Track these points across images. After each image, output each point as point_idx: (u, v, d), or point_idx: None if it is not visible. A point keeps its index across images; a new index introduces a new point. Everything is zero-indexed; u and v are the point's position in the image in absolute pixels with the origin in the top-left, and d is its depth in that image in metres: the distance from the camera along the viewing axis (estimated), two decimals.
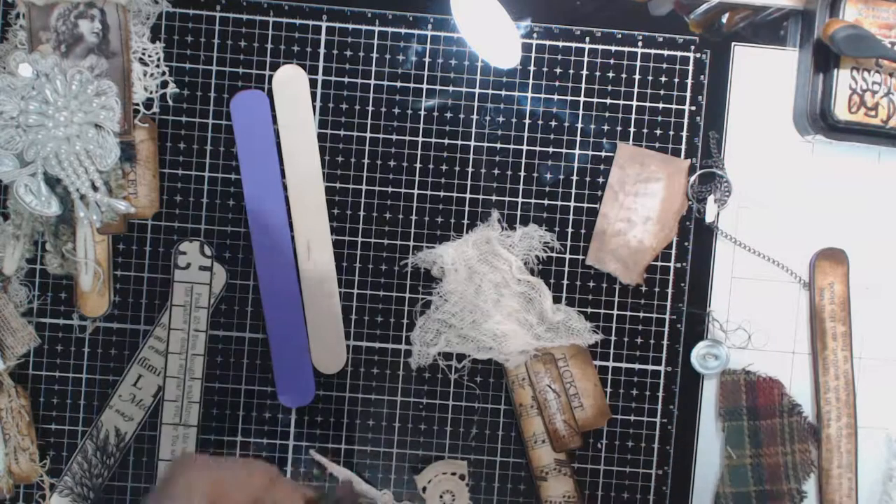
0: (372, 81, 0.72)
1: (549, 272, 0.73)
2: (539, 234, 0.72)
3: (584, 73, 0.72)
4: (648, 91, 0.72)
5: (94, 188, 0.68)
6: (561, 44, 0.72)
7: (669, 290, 0.73)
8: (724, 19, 0.73)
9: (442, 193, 0.73)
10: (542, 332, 0.72)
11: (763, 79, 0.73)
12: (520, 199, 0.73)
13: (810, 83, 0.70)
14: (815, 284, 0.73)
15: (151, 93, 0.71)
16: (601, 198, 0.73)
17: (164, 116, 0.72)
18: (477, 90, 0.72)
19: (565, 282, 0.73)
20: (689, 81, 0.73)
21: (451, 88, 0.72)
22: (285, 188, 0.72)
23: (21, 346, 0.71)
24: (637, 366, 0.73)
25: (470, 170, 0.73)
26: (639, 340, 0.73)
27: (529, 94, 0.72)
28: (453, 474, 0.73)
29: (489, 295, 0.71)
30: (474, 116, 0.72)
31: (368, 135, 0.72)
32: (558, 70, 0.72)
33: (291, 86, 0.72)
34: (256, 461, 0.64)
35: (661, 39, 0.72)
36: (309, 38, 0.72)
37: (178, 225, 0.72)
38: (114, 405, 0.72)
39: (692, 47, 0.73)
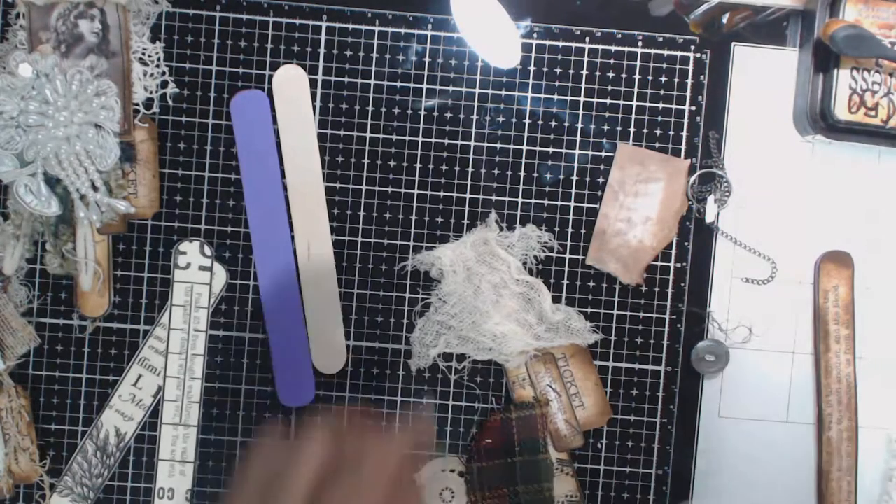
0: (372, 81, 0.72)
1: (549, 272, 0.73)
2: (537, 234, 0.72)
3: (584, 73, 0.72)
4: (648, 91, 0.72)
5: (94, 188, 0.68)
6: (561, 44, 0.72)
7: (669, 290, 0.73)
8: (724, 19, 0.73)
9: (442, 193, 0.73)
10: (542, 333, 0.71)
11: (763, 79, 0.73)
12: (520, 200, 0.73)
13: (810, 83, 0.70)
14: (819, 287, 0.73)
15: (151, 93, 0.71)
16: (601, 198, 0.73)
17: (164, 116, 0.72)
18: (477, 90, 0.72)
19: (565, 282, 0.73)
20: (689, 81, 0.73)
21: (451, 88, 0.72)
22: (285, 188, 0.72)
23: (21, 346, 0.71)
24: (637, 366, 0.73)
25: (470, 170, 0.72)
26: (639, 340, 0.73)
27: (529, 94, 0.72)
28: (452, 471, 0.73)
29: (488, 296, 0.71)
30: (474, 116, 0.72)
31: (368, 135, 0.72)
32: (558, 70, 0.72)
33: (291, 86, 0.72)
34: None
35: (661, 39, 0.72)
36: (309, 38, 0.72)
37: (178, 225, 0.72)
38: (114, 405, 0.72)
39: (692, 47, 0.73)
